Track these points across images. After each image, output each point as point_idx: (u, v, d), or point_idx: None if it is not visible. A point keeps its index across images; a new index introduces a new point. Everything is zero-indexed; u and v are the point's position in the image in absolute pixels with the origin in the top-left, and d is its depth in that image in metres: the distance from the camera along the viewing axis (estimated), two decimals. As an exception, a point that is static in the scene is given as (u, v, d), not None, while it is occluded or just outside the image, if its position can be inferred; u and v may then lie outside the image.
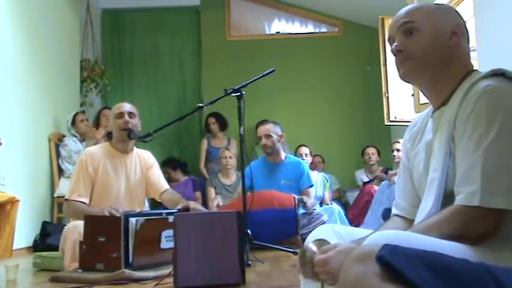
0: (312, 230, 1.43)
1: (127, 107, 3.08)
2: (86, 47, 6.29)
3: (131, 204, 2.98)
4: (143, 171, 3.10)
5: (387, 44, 5.49)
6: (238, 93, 3.02)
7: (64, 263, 2.68)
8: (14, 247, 3.60)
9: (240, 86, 3.04)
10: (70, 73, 5.76)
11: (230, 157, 5.23)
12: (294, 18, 7.18)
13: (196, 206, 2.89)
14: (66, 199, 2.93)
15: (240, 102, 3.02)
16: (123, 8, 6.94)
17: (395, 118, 5.41)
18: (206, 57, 6.94)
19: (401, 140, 4.96)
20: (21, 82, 4.41)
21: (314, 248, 1.11)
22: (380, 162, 6.08)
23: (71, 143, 4.93)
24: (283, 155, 4.29)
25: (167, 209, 2.96)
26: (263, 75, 3.18)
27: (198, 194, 5.76)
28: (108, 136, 3.15)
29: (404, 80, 1.31)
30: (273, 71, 3.17)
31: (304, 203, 3.95)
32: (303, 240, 3.09)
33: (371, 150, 6.02)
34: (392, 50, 1.28)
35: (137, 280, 2.27)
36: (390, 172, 4.77)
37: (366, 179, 5.94)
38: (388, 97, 5.41)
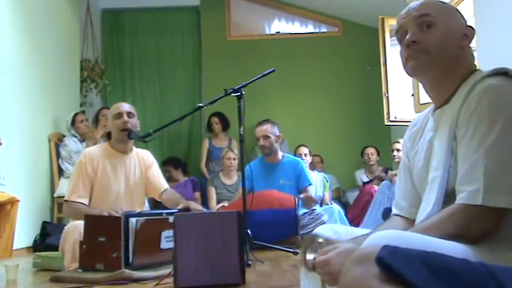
0: (312, 230, 1.43)
1: (126, 107, 3.07)
2: (86, 47, 6.29)
3: (131, 204, 2.98)
4: (142, 171, 3.10)
5: (387, 44, 5.46)
6: (238, 93, 3.02)
7: (64, 263, 2.68)
8: (14, 247, 3.59)
9: (240, 86, 3.05)
10: (70, 73, 5.77)
11: (234, 158, 5.20)
12: (294, 18, 7.18)
13: (196, 206, 2.88)
14: (65, 200, 2.93)
15: (240, 102, 3.02)
16: (123, 8, 6.94)
17: (395, 118, 5.41)
18: (206, 57, 6.94)
19: (401, 140, 4.97)
20: (21, 82, 4.41)
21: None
22: (380, 162, 6.08)
23: (71, 143, 4.93)
24: (280, 154, 4.29)
25: (167, 209, 2.96)
26: (263, 75, 3.18)
27: (198, 194, 5.76)
28: (107, 136, 3.15)
29: (411, 74, 1.28)
30: (273, 71, 3.17)
31: (308, 197, 3.99)
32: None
33: (371, 150, 6.02)
34: (406, 41, 1.25)
35: (137, 280, 2.27)
36: (391, 172, 4.77)
37: (365, 179, 5.94)
38: (388, 97, 5.41)
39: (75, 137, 5.01)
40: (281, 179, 4.17)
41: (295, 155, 4.97)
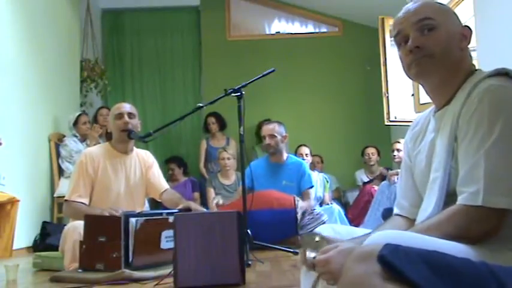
0: (312, 230, 1.43)
1: (126, 107, 3.07)
2: (86, 47, 6.29)
3: (131, 204, 2.98)
4: (143, 171, 3.10)
5: (387, 44, 5.46)
6: (238, 93, 3.01)
7: (64, 263, 2.67)
8: (14, 247, 3.59)
9: (240, 86, 3.04)
10: (70, 73, 5.77)
11: (228, 158, 5.20)
12: (294, 18, 7.18)
13: (197, 207, 2.89)
14: (66, 200, 2.92)
15: (240, 102, 3.02)
16: (123, 8, 6.94)
17: (396, 118, 5.41)
18: (206, 57, 6.94)
19: (401, 140, 4.98)
20: (21, 82, 4.41)
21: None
22: (380, 163, 6.08)
23: (71, 143, 4.93)
24: (285, 155, 4.28)
25: (167, 209, 2.96)
26: (263, 75, 3.17)
27: (197, 194, 5.77)
28: (108, 136, 3.14)
29: (415, 79, 1.27)
30: (273, 71, 3.17)
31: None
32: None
33: (371, 150, 6.02)
34: (408, 47, 1.23)
35: (137, 280, 2.27)
36: (390, 172, 4.77)
37: (365, 179, 5.95)
38: (388, 97, 5.42)
39: (76, 136, 5.02)
40: (284, 180, 4.15)
41: (295, 155, 4.96)
